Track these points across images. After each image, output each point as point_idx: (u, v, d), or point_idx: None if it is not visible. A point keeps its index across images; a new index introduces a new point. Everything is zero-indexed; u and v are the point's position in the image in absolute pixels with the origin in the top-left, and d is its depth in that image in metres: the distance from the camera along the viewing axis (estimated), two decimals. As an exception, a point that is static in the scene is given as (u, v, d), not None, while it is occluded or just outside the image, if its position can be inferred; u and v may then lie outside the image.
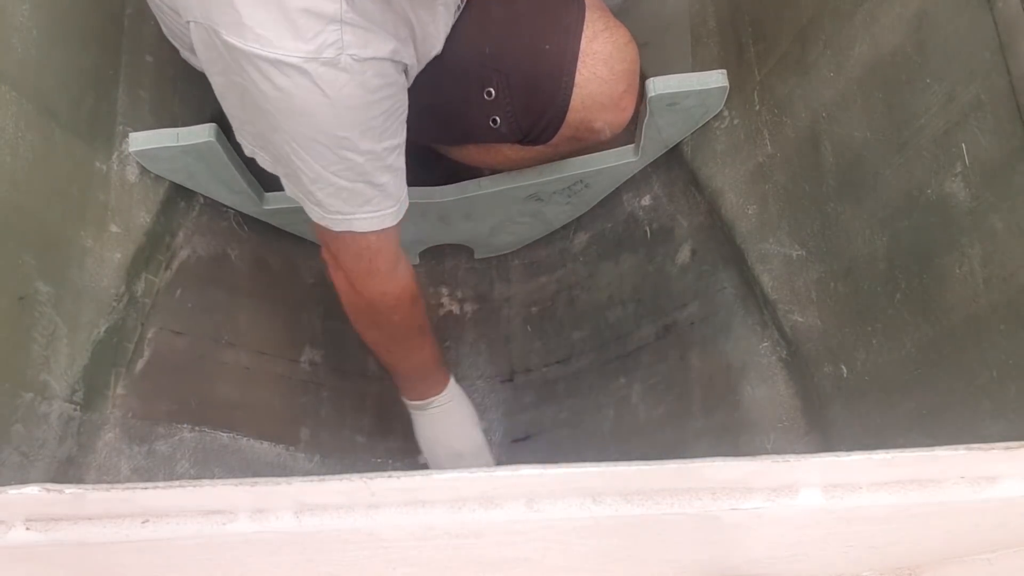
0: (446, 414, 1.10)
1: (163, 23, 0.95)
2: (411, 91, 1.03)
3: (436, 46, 0.94)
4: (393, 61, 0.82)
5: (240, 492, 0.42)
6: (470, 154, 1.14)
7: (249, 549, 0.45)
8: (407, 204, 0.94)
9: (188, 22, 0.78)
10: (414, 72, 0.90)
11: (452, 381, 1.11)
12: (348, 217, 0.89)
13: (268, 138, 0.83)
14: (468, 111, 1.03)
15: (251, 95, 0.79)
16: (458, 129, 1.08)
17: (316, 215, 0.90)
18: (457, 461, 1.10)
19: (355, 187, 0.86)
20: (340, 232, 0.90)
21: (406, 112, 0.89)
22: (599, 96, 1.01)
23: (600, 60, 0.99)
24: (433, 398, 1.09)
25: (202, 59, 0.81)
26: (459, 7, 0.98)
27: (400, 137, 0.89)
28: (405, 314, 1.00)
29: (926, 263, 0.75)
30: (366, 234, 0.90)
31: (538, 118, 1.02)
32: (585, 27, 0.99)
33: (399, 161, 0.90)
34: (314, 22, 0.74)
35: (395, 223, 0.92)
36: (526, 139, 1.05)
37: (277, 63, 0.74)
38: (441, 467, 0.99)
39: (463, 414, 1.12)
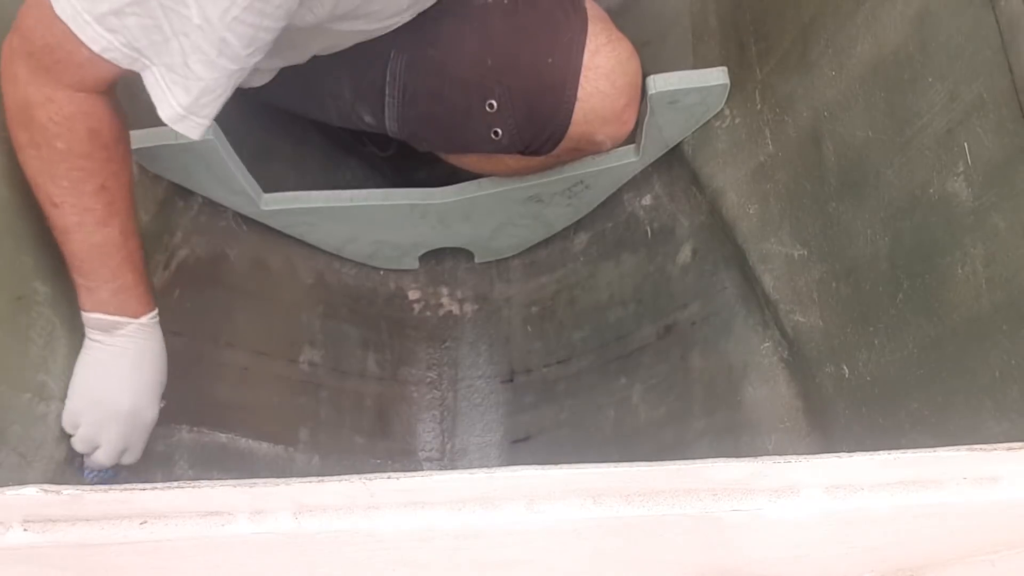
0: (129, 355, 0.88)
1: None
2: (412, 99, 1.03)
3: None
4: None
5: (239, 493, 0.41)
6: (471, 162, 1.14)
7: (248, 550, 0.44)
8: (205, 123, 0.80)
9: None
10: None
11: (153, 315, 0.89)
12: (141, 59, 0.76)
13: None
14: (469, 122, 1.03)
15: None
16: (459, 139, 1.08)
17: None
18: (104, 420, 0.87)
19: (175, 39, 0.74)
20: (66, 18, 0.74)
21: (272, 41, 0.79)
22: (601, 110, 1.01)
23: (602, 74, 0.99)
24: (125, 319, 0.87)
25: None
26: None
27: (258, 58, 0.79)
28: (76, 145, 0.80)
29: (928, 263, 0.75)
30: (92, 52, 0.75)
31: (540, 131, 1.03)
32: (588, 41, 0.99)
33: (234, 78, 0.79)
34: None
35: (167, 120, 0.79)
36: (527, 151, 1.06)
37: None
38: (77, 419, 0.85)
39: (152, 365, 0.90)
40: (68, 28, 0.74)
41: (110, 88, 0.82)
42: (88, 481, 0.90)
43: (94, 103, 0.81)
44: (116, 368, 0.88)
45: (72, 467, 0.90)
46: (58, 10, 0.73)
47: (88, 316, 0.87)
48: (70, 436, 0.88)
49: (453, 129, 1.06)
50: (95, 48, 0.74)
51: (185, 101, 0.78)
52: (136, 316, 0.88)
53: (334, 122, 1.14)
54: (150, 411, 0.91)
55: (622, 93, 1.01)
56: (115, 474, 0.91)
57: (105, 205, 0.83)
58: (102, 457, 0.88)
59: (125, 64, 0.77)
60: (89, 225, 0.83)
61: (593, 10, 1.03)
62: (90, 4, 0.73)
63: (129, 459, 0.91)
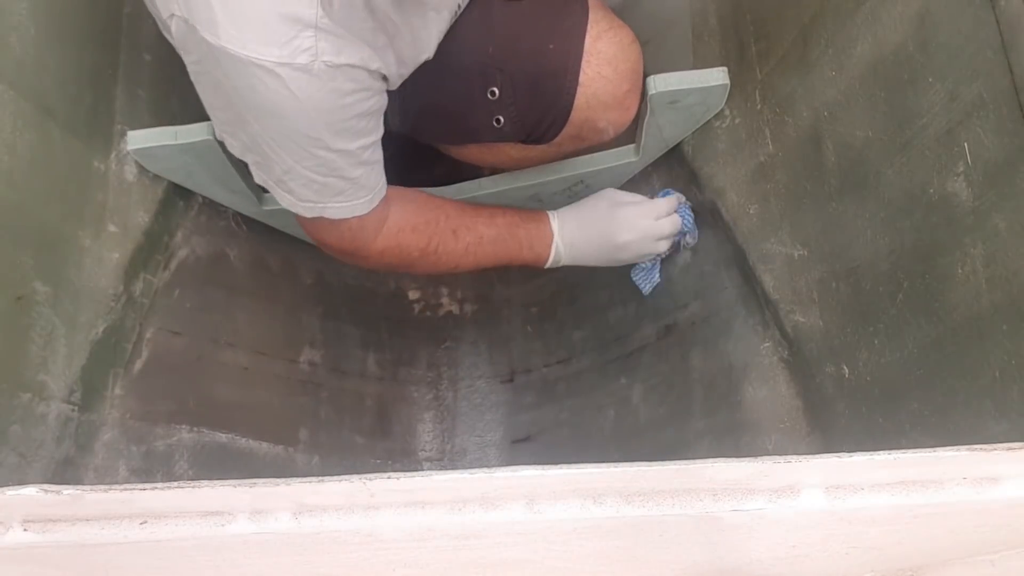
0: (586, 221, 1.10)
1: (158, 19, 0.95)
2: (413, 90, 1.03)
3: (426, 51, 0.94)
4: (368, 69, 0.83)
5: (239, 493, 0.41)
6: (472, 153, 1.13)
7: (248, 550, 0.44)
8: (384, 191, 0.94)
9: (171, 15, 0.78)
10: (396, 77, 0.91)
11: (550, 216, 1.09)
12: (319, 205, 0.90)
13: (240, 128, 0.83)
14: (471, 111, 1.03)
15: (223, 89, 0.79)
16: (461, 128, 1.08)
17: (287, 202, 0.91)
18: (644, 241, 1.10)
19: (327, 181, 0.87)
20: (313, 218, 0.92)
21: (383, 109, 0.90)
22: (603, 95, 1.00)
23: (604, 60, 0.99)
24: (554, 243, 1.08)
25: (179, 47, 0.82)
26: (457, 11, 0.98)
27: (376, 134, 0.90)
28: (421, 246, 1.01)
29: (928, 263, 0.75)
30: (343, 220, 0.92)
31: (542, 118, 1.02)
32: (589, 27, 0.99)
33: (375, 155, 0.91)
34: (289, 27, 0.74)
35: (368, 211, 0.93)
36: (529, 138, 1.05)
37: (249, 64, 0.75)
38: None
39: (601, 207, 1.11)
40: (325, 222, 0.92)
41: (382, 212, 0.96)
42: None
43: (391, 217, 0.98)
44: (586, 226, 1.12)
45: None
46: (304, 211, 0.91)
47: (550, 264, 1.11)
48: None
49: (455, 119, 1.06)
50: (309, 215, 0.91)
51: (368, 192, 0.92)
52: (552, 234, 1.10)
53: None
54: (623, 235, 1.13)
55: (624, 78, 1.01)
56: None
57: (478, 220, 1.05)
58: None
59: (309, 215, 0.92)
60: (481, 253, 1.06)
61: None
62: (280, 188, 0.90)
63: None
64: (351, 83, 0.81)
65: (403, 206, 1.00)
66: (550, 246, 1.09)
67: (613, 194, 1.12)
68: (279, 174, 0.86)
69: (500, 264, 1.08)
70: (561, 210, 1.12)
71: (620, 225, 1.09)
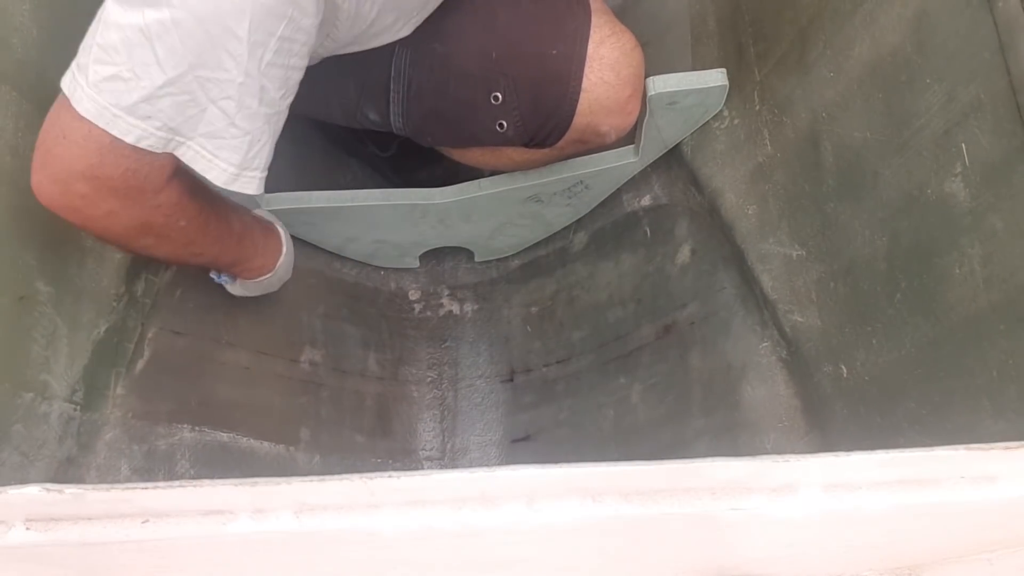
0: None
1: None
2: (417, 93, 1.03)
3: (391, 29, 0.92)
4: None
5: (240, 492, 0.42)
6: (474, 156, 1.14)
7: (249, 549, 0.45)
8: (254, 179, 0.81)
9: None
10: (342, 28, 0.83)
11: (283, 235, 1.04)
12: (176, 138, 0.75)
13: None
14: (474, 115, 1.03)
15: None
16: (464, 132, 1.08)
17: (105, 98, 0.72)
18: None
19: (210, 109, 0.75)
20: (106, 141, 0.73)
21: (299, 80, 0.80)
22: (606, 100, 1.01)
23: (607, 65, 1.00)
24: (280, 258, 1.03)
25: None
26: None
27: (283, 103, 0.80)
28: (194, 214, 0.85)
29: (926, 263, 0.75)
30: (151, 155, 0.76)
31: (544, 122, 1.03)
32: (592, 32, 0.99)
33: (277, 124, 0.81)
34: None
35: (223, 181, 0.79)
36: (532, 143, 1.06)
37: None
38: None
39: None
40: (137, 148, 0.74)
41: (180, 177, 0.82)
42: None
43: (181, 178, 0.82)
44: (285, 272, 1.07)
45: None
46: (88, 114, 0.72)
47: (260, 280, 1.03)
48: None
49: (458, 122, 1.06)
50: (128, 140, 0.73)
51: (236, 159, 0.78)
52: (282, 250, 1.04)
53: (338, 122, 1.14)
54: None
55: (627, 83, 1.01)
56: None
57: (223, 221, 0.92)
58: None
59: (159, 148, 0.75)
60: (226, 241, 0.94)
61: (596, 3, 1.04)
62: (115, 97, 0.72)
63: None
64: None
65: (194, 178, 0.84)
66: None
67: None
68: (150, 86, 0.71)
69: (218, 261, 0.97)
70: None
71: None
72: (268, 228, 1.04)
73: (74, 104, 0.72)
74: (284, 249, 1.04)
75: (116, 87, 0.71)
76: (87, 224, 0.80)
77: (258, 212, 1.07)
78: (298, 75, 0.80)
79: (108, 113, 0.72)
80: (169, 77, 0.71)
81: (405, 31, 0.97)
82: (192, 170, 0.79)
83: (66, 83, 0.74)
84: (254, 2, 0.70)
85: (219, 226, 0.91)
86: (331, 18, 0.81)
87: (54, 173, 0.76)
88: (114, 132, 0.73)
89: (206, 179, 0.79)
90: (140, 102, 0.72)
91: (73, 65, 0.73)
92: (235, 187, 0.80)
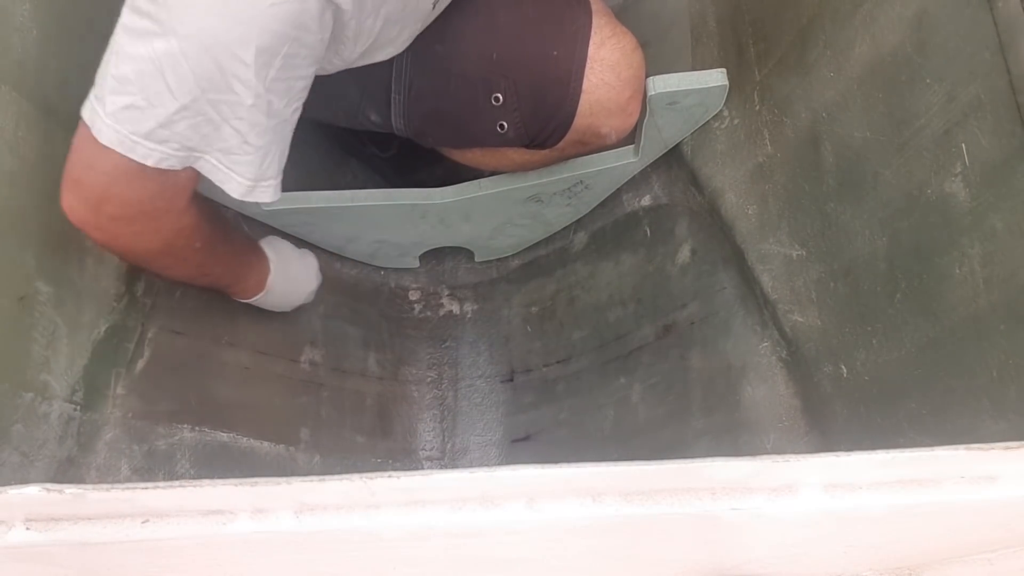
0: (284, 277, 1.08)
1: None
2: (417, 95, 1.04)
3: (386, 47, 0.92)
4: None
5: (240, 492, 0.42)
6: (474, 157, 1.14)
7: (249, 549, 0.45)
8: (271, 190, 0.84)
9: None
10: (354, 28, 0.83)
11: (269, 250, 1.06)
12: (195, 153, 0.78)
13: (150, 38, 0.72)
14: (475, 116, 1.03)
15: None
16: (465, 133, 1.08)
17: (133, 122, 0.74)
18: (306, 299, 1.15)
19: (223, 129, 0.77)
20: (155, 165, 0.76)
21: (307, 88, 0.82)
22: (606, 102, 1.01)
23: (608, 66, 1.00)
24: (269, 278, 1.05)
25: None
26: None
27: (295, 113, 0.82)
28: (208, 234, 0.89)
29: (926, 263, 0.75)
30: (173, 173, 0.79)
31: (545, 124, 1.03)
32: (593, 33, 1.00)
33: (285, 134, 0.83)
34: None
35: (239, 193, 0.82)
36: (532, 144, 1.06)
37: None
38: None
39: (297, 265, 1.12)
40: (160, 170, 0.77)
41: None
42: None
43: (198, 201, 0.86)
44: (286, 287, 1.10)
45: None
46: (109, 143, 0.75)
47: (253, 300, 1.05)
48: None
49: (459, 124, 1.06)
50: (149, 163, 0.76)
51: (251, 173, 0.81)
52: (269, 270, 1.05)
53: (339, 123, 1.14)
54: (313, 280, 1.16)
55: (627, 85, 1.01)
56: None
57: (229, 240, 0.97)
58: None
59: (180, 165, 0.79)
60: (230, 262, 0.99)
61: (596, 4, 1.04)
62: (133, 126, 0.74)
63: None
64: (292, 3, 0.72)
65: (207, 202, 0.91)
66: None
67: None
68: (170, 110, 0.74)
69: (218, 282, 1.01)
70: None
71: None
72: (255, 247, 1.05)
73: (95, 133, 0.76)
74: (272, 268, 1.06)
75: (133, 116, 0.74)
76: (112, 243, 0.84)
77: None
78: (303, 83, 0.81)
79: (128, 141, 0.75)
80: (182, 103, 0.74)
81: (408, 42, 0.97)
82: (210, 181, 0.81)
83: (87, 113, 0.77)
84: (260, 30, 0.72)
85: (224, 247, 0.96)
86: (339, 35, 0.82)
87: (85, 198, 0.80)
88: (135, 157, 0.76)
89: (223, 190, 0.82)
90: (157, 128, 0.75)
91: (91, 95, 0.76)
92: (251, 198, 0.83)
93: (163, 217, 0.82)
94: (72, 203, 0.80)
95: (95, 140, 0.76)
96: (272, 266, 1.06)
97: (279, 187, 0.85)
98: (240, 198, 0.82)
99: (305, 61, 0.78)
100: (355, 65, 0.93)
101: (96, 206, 0.80)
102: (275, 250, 1.08)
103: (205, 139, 0.77)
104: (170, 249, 0.86)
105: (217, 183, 0.81)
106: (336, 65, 0.89)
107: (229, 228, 0.99)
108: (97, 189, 0.79)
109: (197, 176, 0.82)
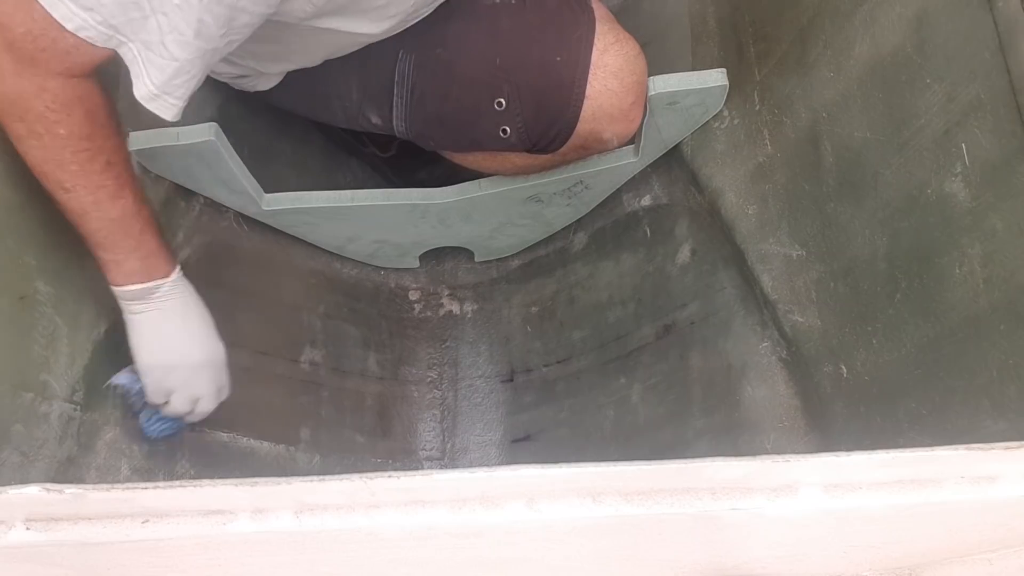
0: (175, 312, 0.91)
1: None
2: (419, 98, 1.04)
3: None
4: None
5: (240, 492, 0.42)
6: (476, 160, 1.14)
7: (249, 549, 0.45)
8: (173, 109, 0.80)
9: None
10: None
11: (179, 270, 0.91)
12: (118, 36, 0.75)
13: None
14: (478, 120, 1.03)
15: None
16: (467, 137, 1.08)
17: None
18: (190, 376, 0.92)
19: (152, 16, 0.73)
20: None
21: (252, 26, 0.80)
22: (609, 108, 1.01)
23: (611, 73, 1.00)
24: (158, 282, 0.88)
25: None
26: None
27: (223, 43, 0.78)
28: (77, 128, 0.80)
29: (926, 263, 0.75)
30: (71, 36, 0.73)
31: (548, 129, 1.03)
32: (596, 39, 1.00)
33: (209, 62, 0.79)
34: None
35: (141, 98, 0.78)
36: (534, 148, 1.06)
37: None
38: (167, 385, 0.89)
39: (198, 313, 0.93)
40: (49, 13, 0.72)
41: (96, 70, 0.80)
42: (155, 435, 0.96)
43: (86, 86, 0.80)
44: (171, 328, 0.91)
45: (132, 431, 0.94)
46: None
47: (122, 291, 0.88)
48: (164, 404, 0.92)
49: (461, 128, 1.07)
50: (69, 26, 0.73)
51: (159, 80, 0.78)
52: (167, 276, 0.89)
53: (340, 124, 1.14)
54: (218, 348, 0.95)
55: (630, 91, 1.01)
56: (183, 424, 0.97)
57: (115, 179, 0.84)
58: (205, 405, 0.95)
59: (100, 42, 0.75)
60: (104, 202, 0.84)
61: (600, 10, 1.04)
62: None
63: (224, 395, 0.97)
64: None
65: (102, 98, 0.82)
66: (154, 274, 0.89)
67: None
68: None
69: (88, 230, 0.86)
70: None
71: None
72: (157, 240, 0.89)
73: None
74: (175, 276, 0.90)
75: None
76: None
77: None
78: (247, 19, 0.78)
79: None
80: None
81: (398, 24, 0.96)
82: (130, 72, 0.78)
83: None
84: None
85: (104, 177, 0.83)
86: None
87: None
88: (55, 15, 0.72)
89: (133, 88, 0.78)
90: None
91: None
92: (151, 106, 0.79)
93: (28, 64, 0.75)
94: None
95: None
96: (169, 285, 0.89)
97: (180, 112, 0.81)
98: (142, 101, 0.78)
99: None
100: (335, 26, 0.90)
101: None
102: (184, 284, 0.92)
103: (131, 24, 0.74)
104: (25, 111, 0.77)
105: (132, 77, 0.78)
106: (306, 11, 0.85)
107: (135, 182, 0.86)
108: (4, 22, 0.74)
109: (100, 62, 0.77)
